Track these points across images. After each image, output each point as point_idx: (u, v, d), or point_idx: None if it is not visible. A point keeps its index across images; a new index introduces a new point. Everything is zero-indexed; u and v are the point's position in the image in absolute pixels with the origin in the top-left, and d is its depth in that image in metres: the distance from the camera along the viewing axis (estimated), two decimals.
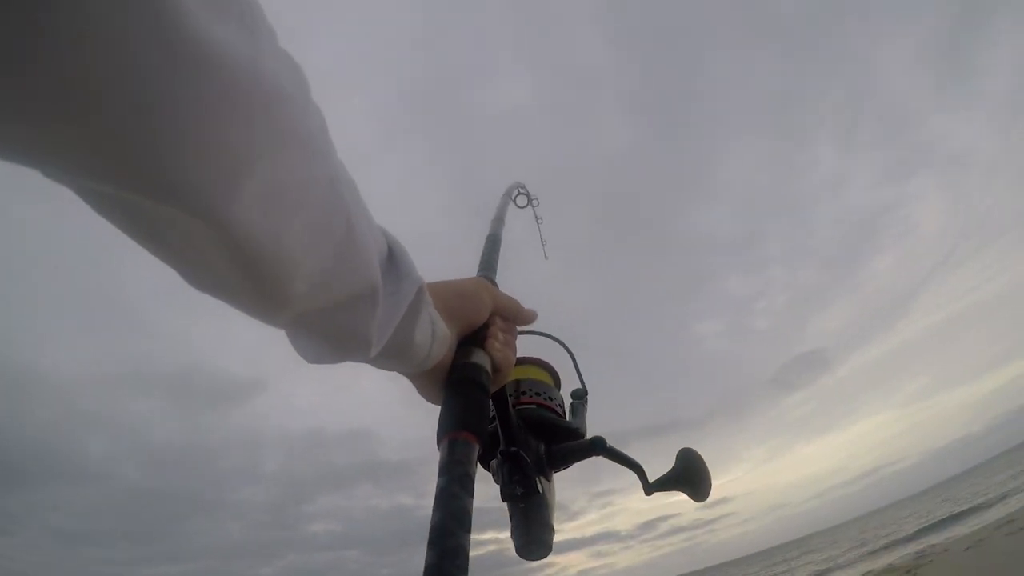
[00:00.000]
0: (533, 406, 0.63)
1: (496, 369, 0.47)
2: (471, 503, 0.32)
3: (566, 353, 0.80)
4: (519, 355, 0.60)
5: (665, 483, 0.62)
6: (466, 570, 0.27)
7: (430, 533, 0.29)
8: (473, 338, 0.49)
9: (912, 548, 12.08)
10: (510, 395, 0.62)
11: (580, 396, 0.76)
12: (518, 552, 0.55)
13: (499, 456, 0.56)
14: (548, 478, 0.59)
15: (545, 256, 0.93)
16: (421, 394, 0.48)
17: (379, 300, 0.35)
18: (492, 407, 0.52)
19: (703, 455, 0.63)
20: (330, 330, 0.35)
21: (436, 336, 0.43)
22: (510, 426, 0.55)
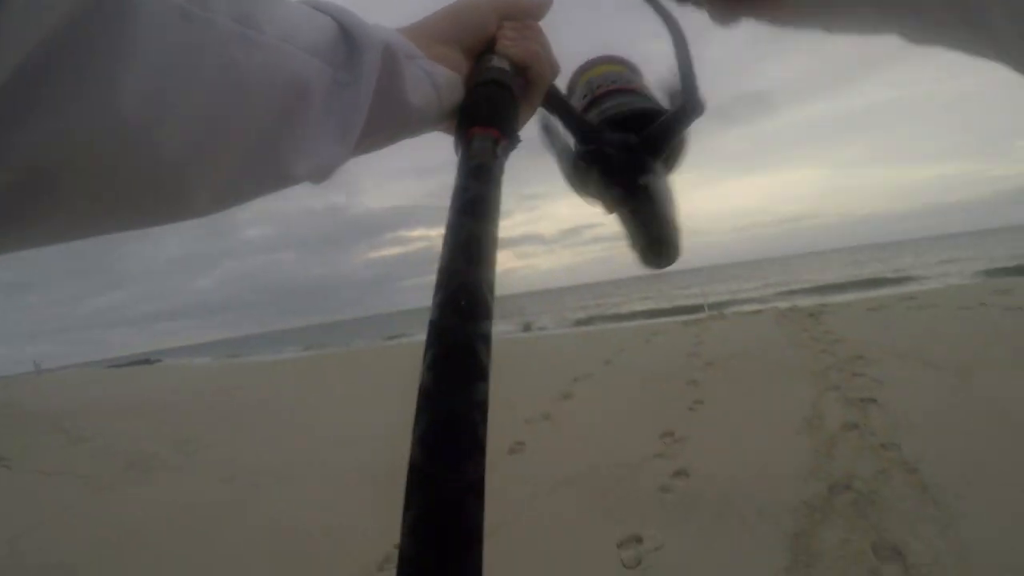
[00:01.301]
0: (609, 95, 0.51)
1: (522, 66, 0.41)
2: (494, 192, 0.28)
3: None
4: (586, 60, 0.57)
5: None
6: (484, 262, 0.23)
7: (445, 232, 0.25)
8: (485, 52, 0.42)
9: (818, 298, 13.47)
10: (585, 96, 0.53)
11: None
12: (643, 262, 0.47)
13: (582, 165, 0.48)
14: (654, 171, 0.48)
15: None
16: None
17: (314, 107, 0.30)
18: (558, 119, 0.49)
19: None
20: (268, 170, 0.30)
21: (439, 85, 0.38)
22: (580, 126, 0.48)
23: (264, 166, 0.29)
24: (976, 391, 3.15)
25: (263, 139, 0.28)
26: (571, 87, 0.59)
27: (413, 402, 0.20)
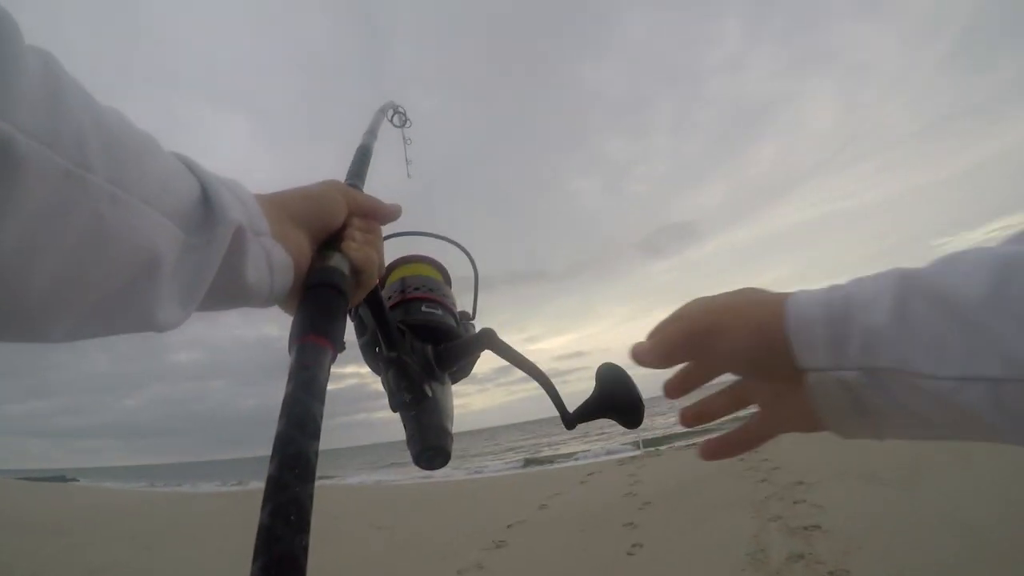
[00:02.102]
0: (420, 301, 0.59)
1: (357, 270, 0.43)
2: (319, 408, 0.29)
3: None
4: (408, 254, 0.63)
5: (589, 412, 0.52)
6: (309, 478, 0.25)
7: (274, 442, 0.26)
8: (330, 242, 0.44)
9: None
10: (395, 294, 0.60)
11: (467, 319, 0.67)
12: (415, 462, 0.51)
13: (382, 364, 0.54)
14: (441, 381, 0.56)
15: (408, 175, 0.92)
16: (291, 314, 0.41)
17: (163, 270, 0.31)
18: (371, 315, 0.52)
19: (616, 368, 0.53)
20: (115, 318, 0.31)
21: (273, 268, 0.38)
22: (388, 330, 0.52)
23: (113, 314, 0.31)
24: (922, 500, 3.02)
25: (115, 291, 0.29)
26: (385, 273, 0.62)
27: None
